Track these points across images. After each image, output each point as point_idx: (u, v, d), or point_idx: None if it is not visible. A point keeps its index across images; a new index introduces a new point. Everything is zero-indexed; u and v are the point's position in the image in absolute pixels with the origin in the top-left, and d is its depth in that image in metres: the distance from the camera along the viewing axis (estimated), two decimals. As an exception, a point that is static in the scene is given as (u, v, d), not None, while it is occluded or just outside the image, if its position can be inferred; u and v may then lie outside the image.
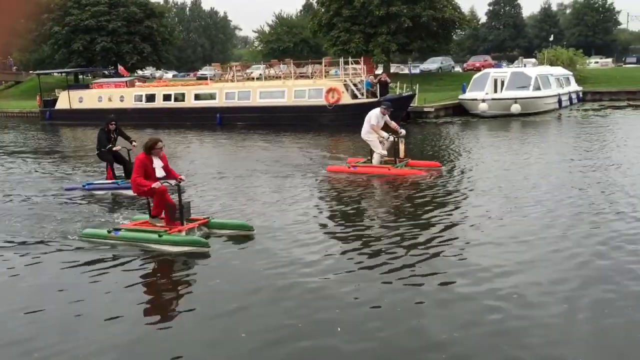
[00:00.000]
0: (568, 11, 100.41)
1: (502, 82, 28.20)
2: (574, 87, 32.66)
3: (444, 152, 17.92)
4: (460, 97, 29.08)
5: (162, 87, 32.05)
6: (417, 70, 40.80)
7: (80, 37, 45.45)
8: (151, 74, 58.13)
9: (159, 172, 8.68)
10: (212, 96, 29.98)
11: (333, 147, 20.37)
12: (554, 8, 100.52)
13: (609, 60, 66.75)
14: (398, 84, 28.64)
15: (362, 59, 30.76)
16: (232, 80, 30.59)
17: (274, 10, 76.76)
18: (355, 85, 27.35)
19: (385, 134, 13.56)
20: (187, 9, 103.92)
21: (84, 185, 12.94)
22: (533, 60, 41.21)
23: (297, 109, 27.49)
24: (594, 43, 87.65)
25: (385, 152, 13.66)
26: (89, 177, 14.60)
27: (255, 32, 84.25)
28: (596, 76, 38.88)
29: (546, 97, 28.26)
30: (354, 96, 26.92)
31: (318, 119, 26.92)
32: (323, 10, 39.87)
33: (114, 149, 12.76)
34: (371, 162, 13.76)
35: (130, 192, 12.03)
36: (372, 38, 38.29)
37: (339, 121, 26.36)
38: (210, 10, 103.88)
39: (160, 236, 8.32)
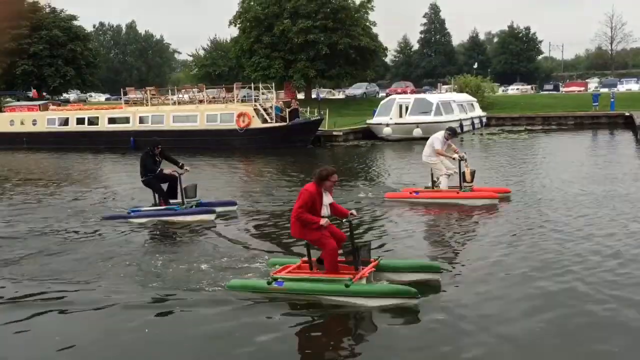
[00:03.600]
0: (495, 40, 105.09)
1: (407, 108, 29.70)
2: (477, 112, 34.57)
3: (360, 171, 19.26)
4: (368, 121, 30.40)
5: (75, 111, 32.16)
6: (342, 95, 42.49)
7: (0, 60, 44.97)
8: (78, 97, 57.71)
9: (325, 211, 7.25)
10: (126, 120, 30.31)
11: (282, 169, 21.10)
12: (482, 37, 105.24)
13: (529, 87, 70.24)
14: (308, 109, 29.76)
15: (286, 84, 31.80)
16: (146, 104, 31.04)
17: (209, 35, 77.17)
18: (265, 110, 28.30)
19: (456, 155, 12.46)
20: (123, 32, 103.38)
21: (129, 212, 11.82)
22: (445, 87, 43.24)
23: (209, 132, 28.17)
24: (519, 70, 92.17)
25: (452, 172, 12.67)
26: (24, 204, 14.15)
27: (190, 55, 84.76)
28: (503, 102, 41.20)
29: (447, 122, 29.81)
30: (264, 121, 27.84)
31: (230, 142, 27.64)
32: (244, 36, 40.85)
33: (165, 171, 11.68)
34: (432, 188, 12.82)
35: (188, 219, 11.37)
36: (292, 64, 39.47)
37: (249, 144, 27.21)
38: (145, 33, 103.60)
39: (347, 286, 6.68)
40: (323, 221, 7.01)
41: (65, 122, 31.39)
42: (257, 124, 27.67)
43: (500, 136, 30.15)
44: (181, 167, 11.77)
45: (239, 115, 27.75)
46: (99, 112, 31.47)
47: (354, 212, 7.31)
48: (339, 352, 5.88)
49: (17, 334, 6.34)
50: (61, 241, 10.23)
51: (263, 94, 30.70)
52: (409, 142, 27.96)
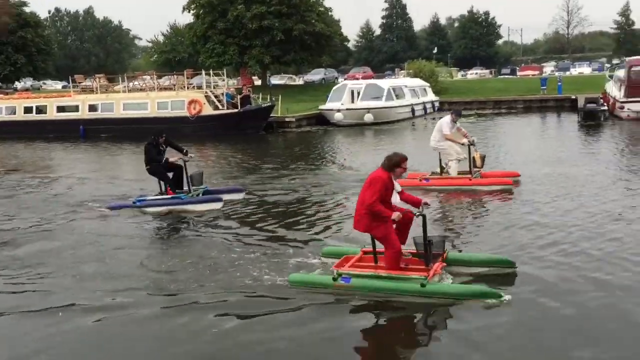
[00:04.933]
0: (456, 24, 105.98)
1: (358, 93, 29.93)
2: (430, 97, 35.03)
3: (314, 156, 19.45)
4: (320, 107, 30.55)
5: (23, 100, 31.56)
6: (301, 81, 42.58)
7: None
8: (32, 85, 56.40)
9: (395, 198, 6.79)
10: (75, 108, 29.87)
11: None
12: (443, 21, 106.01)
13: (487, 71, 71.21)
14: (260, 95, 29.77)
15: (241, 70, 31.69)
16: (96, 92, 30.64)
17: (168, 21, 76.02)
18: (216, 97, 28.21)
19: (465, 140, 12.24)
20: (80, 17, 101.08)
21: (134, 202, 11.53)
22: (403, 72, 43.57)
23: (160, 120, 27.92)
24: (479, 55, 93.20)
25: (463, 157, 12.42)
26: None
27: (149, 42, 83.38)
28: (457, 87, 41.79)
29: (398, 107, 30.25)
30: (216, 107, 27.76)
31: (181, 130, 27.44)
32: (198, 22, 40.47)
33: (171, 160, 11.44)
34: (440, 174, 12.54)
35: (195, 208, 11.12)
36: (247, 50, 39.29)
37: (201, 132, 27.10)
38: (104, 19, 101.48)
39: (423, 286, 6.25)
40: (395, 215, 6.43)
41: (13, 111, 30.79)
42: (208, 111, 27.59)
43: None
44: (185, 154, 11.55)
45: (190, 103, 27.62)
46: (47, 100, 30.96)
47: (427, 201, 6.72)
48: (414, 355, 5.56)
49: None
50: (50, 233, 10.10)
51: (215, 81, 30.58)
52: (360, 127, 28.26)
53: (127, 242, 9.21)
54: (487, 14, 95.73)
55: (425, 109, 33.33)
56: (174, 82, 29.83)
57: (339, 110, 29.00)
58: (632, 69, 25.50)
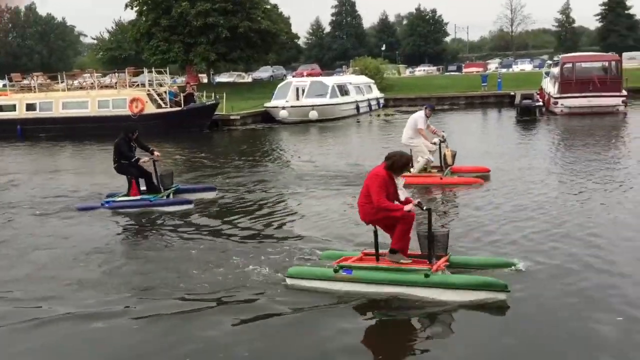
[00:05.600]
0: (404, 22, 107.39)
1: (303, 91, 30.08)
2: (375, 94, 35.49)
3: (256, 154, 19.51)
4: (266, 104, 30.56)
5: (-44, 99, 30.43)
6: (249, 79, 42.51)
7: None
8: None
9: (403, 196, 6.64)
10: (12, 107, 29.02)
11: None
12: (392, 19, 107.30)
13: (434, 68, 72.49)
14: (204, 93, 29.56)
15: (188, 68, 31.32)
16: (34, 91, 29.82)
17: (114, 17, 74.17)
18: (159, 95, 27.87)
19: (436, 139, 12.09)
20: (22, 13, 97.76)
21: (103, 204, 11.18)
22: (351, 69, 43.97)
23: (101, 119, 27.44)
24: (427, 52, 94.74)
25: (433, 158, 12.27)
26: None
27: (94, 39, 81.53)
28: (402, 84, 42.46)
29: (343, 104, 30.54)
30: (159, 106, 27.43)
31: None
32: (142, 19, 39.85)
33: (142, 160, 11.15)
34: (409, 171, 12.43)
35: (165, 209, 10.79)
36: (192, 48, 38.92)
37: (143, 130, 26.61)
38: (47, 16, 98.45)
39: (427, 276, 6.07)
40: (408, 207, 6.23)
41: (-55, 110, 29.66)
42: (151, 109, 27.21)
43: (394, 116, 31.19)
44: (152, 153, 11.31)
45: (132, 101, 27.19)
46: (-18, 100, 29.94)
47: (419, 201, 6.55)
48: (419, 353, 5.42)
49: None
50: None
51: (161, 79, 30.18)
52: (305, 124, 28.43)
53: (96, 246, 8.81)
54: (434, 11, 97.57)
55: (370, 105, 33.75)
56: (116, 80, 29.27)
57: (283, 108, 29.09)
58: (565, 66, 26.48)
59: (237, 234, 9.12)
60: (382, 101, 36.03)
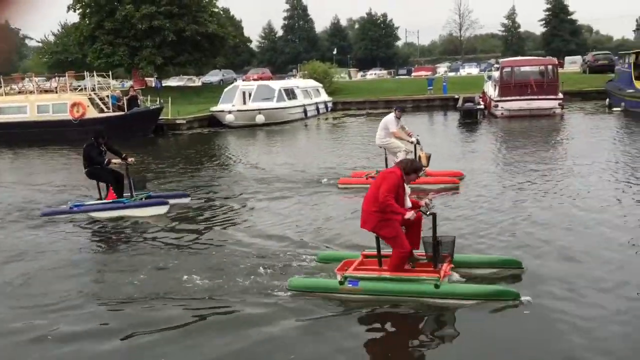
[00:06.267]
0: (356, 26, 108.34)
1: (250, 95, 29.98)
2: (323, 98, 35.66)
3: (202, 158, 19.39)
4: (212, 109, 30.33)
5: None
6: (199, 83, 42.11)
7: None
8: None
9: (408, 203, 6.48)
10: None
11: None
12: (344, 23, 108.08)
13: (385, 72, 73.31)
14: (149, 97, 29.14)
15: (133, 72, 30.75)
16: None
17: (59, 20, 72.08)
18: (101, 99, 27.33)
19: (413, 138, 12.17)
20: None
21: (72, 208, 10.81)
22: (301, 73, 44.09)
23: (41, 124, 26.71)
24: (378, 56, 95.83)
25: (410, 149, 12.28)
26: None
27: (39, 42, 79.30)
28: (350, 87, 42.81)
29: (290, 108, 30.58)
30: (101, 110, 26.88)
31: (64, 134, 26.37)
32: (84, 22, 39.01)
33: (114, 161, 10.92)
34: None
35: (139, 212, 10.56)
36: (138, 51, 38.30)
37: (85, 136, 25.77)
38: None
39: (437, 287, 5.94)
40: (409, 214, 6.09)
41: None
42: (92, 113, 26.63)
43: (340, 119, 31.42)
44: (125, 159, 11.03)
45: (73, 105, 26.56)
46: None
47: (427, 201, 6.48)
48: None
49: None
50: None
51: (107, 83, 29.62)
52: (252, 128, 28.34)
53: (75, 255, 8.44)
54: (385, 16, 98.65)
55: (318, 109, 33.87)
56: (57, 84, 28.55)
57: (230, 112, 28.92)
58: (504, 70, 27.19)
59: (219, 240, 8.85)
60: (330, 105, 36.22)
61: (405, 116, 33.08)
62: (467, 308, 5.84)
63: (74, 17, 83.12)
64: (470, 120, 26.02)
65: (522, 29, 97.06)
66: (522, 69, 27.87)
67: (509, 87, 26.47)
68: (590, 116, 26.27)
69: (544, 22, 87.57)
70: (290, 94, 31.31)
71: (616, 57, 35.68)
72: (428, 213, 6.21)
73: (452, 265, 6.39)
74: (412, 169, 6.36)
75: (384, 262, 6.41)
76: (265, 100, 29.55)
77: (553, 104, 25.96)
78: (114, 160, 10.98)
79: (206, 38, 39.28)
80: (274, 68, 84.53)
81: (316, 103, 33.87)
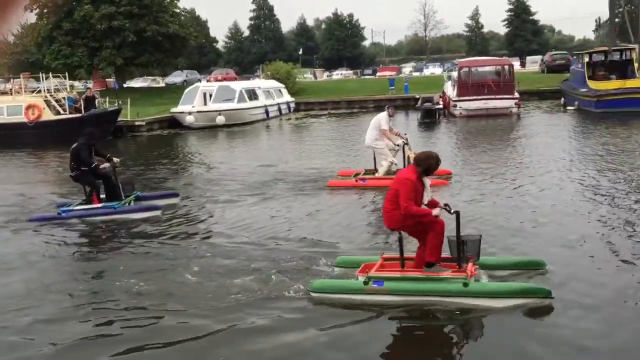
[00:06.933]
0: (323, 26, 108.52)
1: (210, 95, 29.81)
2: (285, 98, 35.65)
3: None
4: (172, 110, 30.07)
5: None
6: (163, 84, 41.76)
7: None
8: None
9: (427, 197, 6.18)
10: None
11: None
12: (310, 23, 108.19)
13: (351, 72, 73.60)
14: (107, 98, 28.75)
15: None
16: None
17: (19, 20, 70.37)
18: (57, 101, 26.86)
19: (400, 141, 11.96)
20: None
21: (60, 213, 10.44)
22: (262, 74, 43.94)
23: (-6, 126, 26.14)
24: (345, 56, 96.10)
25: (396, 161, 12.13)
26: None
27: (-2, 42, 77.42)
28: (315, 87, 42.89)
29: (252, 109, 30.49)
30: (57, 112, 26.43)
31: (19, 136, 25.87)
32: (42, 22, 38.28)
33: (102, 166, 10.61)
34: (374, 173, 12.18)
35: (132, 216, 10.26)
36: (97, 52, 37.75)
37: (41, 138, 25.63)
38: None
39: (466, 285, 5.74)
40: (435, 211, 5.96)
41: None
42: (48, 116, 26.18)
43: (302, 120, 31.47)
44: (110, 160, 10.77)
45: (28, 108, 26.07)
46: None
47: (447, 203, 6.29)
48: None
49: None
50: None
51: (63, 84, 29.06)
52: (213, 129, 28.18)
53: (74, 261, 8.19)
54: (351, 16, 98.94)
55: (280, 110, 33.85)
56: (11, 85, 27.98)
57: (190, 113, 28.72)
58: (462, 70, 27.58)
59: (221, 241, 8.64)
60: (293, 105, 36.22)
61: (367, 116, 33.42)
62: (496, 308, 5.68)
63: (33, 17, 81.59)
64: (429, 119, 26.29)
65: (486, 29, 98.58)
66: (480, 69, 28.31)
67: (466, 87, 26.85)
68: (545, 115, 26.84)
69: (506, 22, 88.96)
70: (252, 94, 31.22)
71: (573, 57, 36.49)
72: (452, 212, 6.05)
73: (477, 266, 6.18)
74: (427, 167, 6.07)
75: (407, 264, 6.23)
76: (226, 101, 29.41)
77: (510, 103, 26.40)
78: (102, 165, 10.69)
79: (167, 38, 38.90)
80: (241, 68, 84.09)
81: (278, 104, 33.83)
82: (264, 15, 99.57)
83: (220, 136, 26.51)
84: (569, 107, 27.45)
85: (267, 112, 31.76)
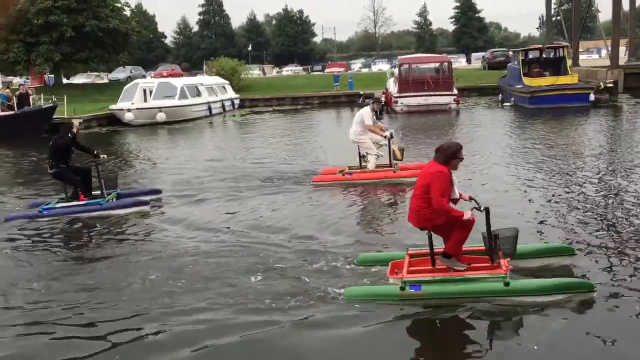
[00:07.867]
0: (273, 22, 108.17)
1: (151, 92, 29.29)
2: (229, 95, 35.34)
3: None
4: (111, 107, 29.44)
5: None
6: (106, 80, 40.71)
7: None
8: None
9: (455, 193, 5.90)
10: None
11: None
12: (261, 19, 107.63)
13: (301, 68, 73.63)
14: (42, 95, 27.95)
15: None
16: None
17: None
18: (-11, 98, 25.98)
19: (387, 133, 11.78)
20: None
21: (41, 211, 10.01)
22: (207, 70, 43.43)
23: None
24: (296, 52, 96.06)
25: (382, 153, 12.00)
26: None
27: None
28: (260, 84, 42.70)
29: (193, 106, 30.12)
30: (-11, 110, 25.56)
31: (-52, 136, 24.87)
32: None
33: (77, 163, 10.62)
34: (359, 167, 12.13)
35: (118, 212, 9.92)
36: (34, 48, 36.59)
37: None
38: None
39: (507, 285, 5.55)
40: (468, 214, 5.72)
41: None
42: (-21, 113, 25.29)
43: (246, 117, 31.27)
44: (96, 156, 10.56)
45: (-43, 105, 25.14)
46: None
47: (471, 195, 6.07)
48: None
49: None
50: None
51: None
52: (153, 127, 27.70)
53: (71, 263, 7.73)
54: (301, 12, 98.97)
55: (223, 106, 33.53)
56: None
57: (129, 110, 28.15)
58: (402, 67, 27.93)
59: (233, 242, 8.19)
60: (237, 102, 35.94)
61: (312, 112, 33.38)
62: (533, 304, 5.55)
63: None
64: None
65: (434, 26, 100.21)
66: (420, 66, 28.72)
67: (407, 83, 27.21)
68: (483, 111, 27.44)
69: (453, 19, 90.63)
70: (194, 91, 30.83)
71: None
72: (482, 208, 5.81)
73: (505, 260, 5.89)
74: (448, 155, 5.80)
75: (438, 259, 6.05)
76: (166, 97, 28.94)
77: (448, 99, 26.89)
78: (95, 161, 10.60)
79: (108, 34, 37.97)
80: (191, 64, 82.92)
81: (222, 100, 33.49)
82: (214, 11, 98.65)
83: (160, 133, 26.09)
84: (505, 104, 28.14)
85: (210, 109, 31.40)
